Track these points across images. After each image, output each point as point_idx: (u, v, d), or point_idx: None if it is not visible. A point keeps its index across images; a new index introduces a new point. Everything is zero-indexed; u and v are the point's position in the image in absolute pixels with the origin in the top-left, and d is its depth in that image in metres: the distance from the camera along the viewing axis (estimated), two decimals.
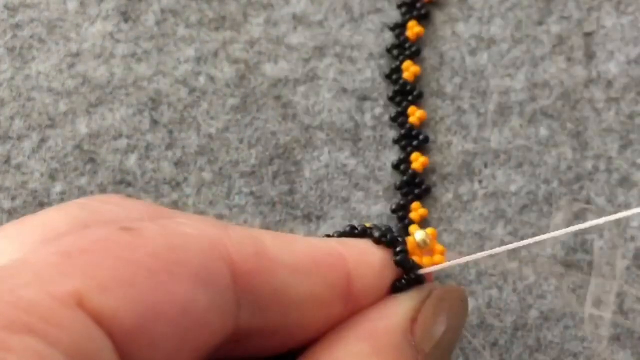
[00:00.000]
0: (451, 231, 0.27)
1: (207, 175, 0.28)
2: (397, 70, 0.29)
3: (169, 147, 0.28)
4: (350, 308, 0.18)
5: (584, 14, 0.30)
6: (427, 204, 0.27)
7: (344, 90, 0.29)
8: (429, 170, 0.28)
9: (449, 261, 0.21)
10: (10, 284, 0.14)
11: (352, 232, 0.20)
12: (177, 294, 0.15)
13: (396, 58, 0.29)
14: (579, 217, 0.27)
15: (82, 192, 0.27)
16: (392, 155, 0.28)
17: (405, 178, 0.27)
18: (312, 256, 0.18)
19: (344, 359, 0.17)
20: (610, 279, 0.26)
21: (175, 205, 0.27)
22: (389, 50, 0.29)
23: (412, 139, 0.28)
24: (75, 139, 0.28)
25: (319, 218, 0.27)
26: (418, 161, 0.27)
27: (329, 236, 0.20)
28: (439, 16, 0.30)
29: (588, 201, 0.27)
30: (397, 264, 0.19)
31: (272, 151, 0.28)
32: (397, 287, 0.19)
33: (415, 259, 0.20)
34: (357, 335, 0.18)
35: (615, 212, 0.27)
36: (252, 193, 0.27)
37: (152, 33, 0.30)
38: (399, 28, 0.30)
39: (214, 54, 0.29)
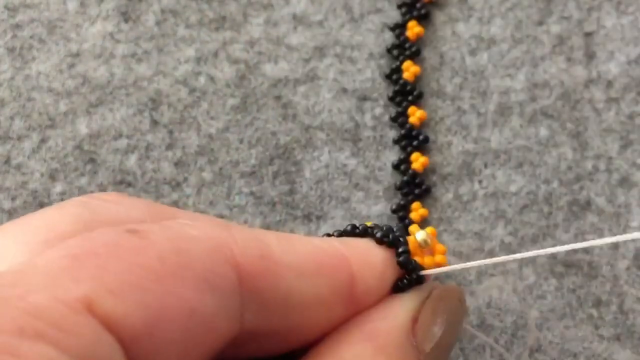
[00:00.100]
0: (451, 231, 0.27)
1: (207, 175, 0.28)
2: (397, 70, 0.29)
3: (169, 147, 0.28)
4: (353, 308, 0.18)
5: (584, 14, 0.30)
6: (427, 204, 0.27)
7: (344, 90, 0.29)
8: (429, 170, 0.28)
9: (449, 262, 0.21)
10: (19, 290, 0.14)
11: (353, 232, 0.20)
12: (184, 297, 0.15)
13: (396, 58, 0.29)
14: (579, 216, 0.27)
15: (82, 192, 0.27)
16: (392, 155, 0.28)
17: (405, 178, 0.27)
18: (316, 258, 0.18)
19: (346, 359, 0.17)
20: (611, 279, 0.26)
21: (175, 205, 0.27)
22: (389, 50, 0.29)
23: (412, 139, 0.28)
24: (75, 139, 0.28)
25: (319, 218, 0.27)
26: (418, 161, 0.27)
27: (329, 235, 0.20)
28: (439, 16, 0.30)
29: (588, 202, 0.27)
30: (400, 264, 0.19)
31: (272, 151, 0.28)
32: (398, 287, 0.20)
33: (417, 259, 0.20)
34: (359, 336, 0.18)
35: (616, 212, 0.27)
36: (252, 193, 0.27)
37: (152, 33, 0.30)
38: (399, 28, 0.30)
39: (214, 54, 0.29)
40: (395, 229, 0.20)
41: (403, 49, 0.29)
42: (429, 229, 0.22)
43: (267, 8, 0.30)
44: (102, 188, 0.27)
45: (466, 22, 0.30)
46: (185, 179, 0.27)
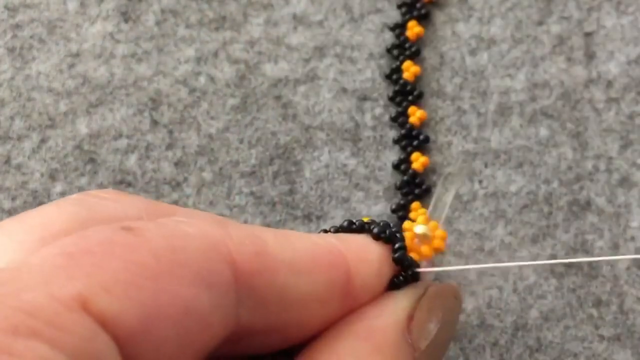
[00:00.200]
0: (451, 231, 0.27)
1: (207, 175, 0.28)
2: (397, 70, 0.29)
3: (169, 147, 0.28)
4: (349, 304, 0.18)
5: (584, 14, 0.30)
6: (427, 204, 0.27)
7: (344, 90, 0.29)
8: (429, 170, 0.28)
9: (449, 263, 0.21)
10: (13, 288, 0.14)
11: (350, 227, 0.20)
12: (179, 295, 0.15)
13: (396, 58, 0.29)
14: (579, 216, 0.27)
15: None
16: (392, 155, 0.28)
17: (405, 178, 0.27)
18: (312, 254, 0.18)
19: (342, 357, 0.17)
20: (611, 279, 0.26)
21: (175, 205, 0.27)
22: (388, 50, 0.29)
23: (412, 138, 0.28)
24: (75, 139, 0.28)
25: (319, 218, 0.27)
26: (418, 161, 0.27)
27: (325, 231, 0.20)
28: (439, 16, 0.30)
29: (588, 202, 0.27)
30: (396, 261, 0.19)
31: (272, 151, 0.28)
32: (394, 284, 0.20)
33: (413, 255, 0.20)
34: (355, 334, 0.18)
35: (615, 212, 0.27)
36: (252, 193, 0.27)
37: (152, 33, 0.30)
38: (399, 28, 0.30)
39: (214, 54, 0.29)
40: (392, 225, 0.20)
41: (403, 49, 0.29)
42: (432, 223, 0.22)
43: (267, 8, 0.30)
44: (102, 188, 0.27)
45: (466, 22, 0.30)
46: (185, 179, 0.27)
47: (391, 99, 0.29)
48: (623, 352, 0.25)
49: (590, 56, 0.29)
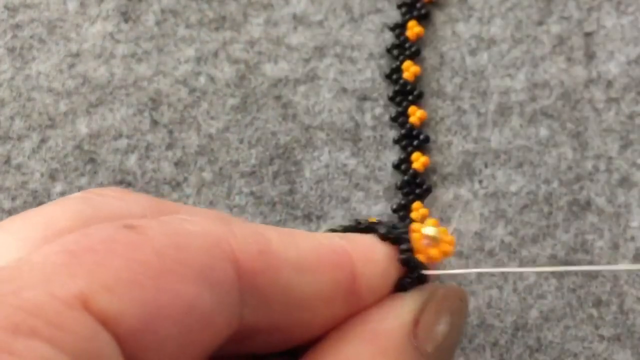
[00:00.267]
0: (451, 231, 0.27)
1: (207, 175, 0.28)
2: (397, 70, 0.29)
3: (169, 147, 0.28)
4: (354, 305, 0.18)
5: (584, 14, 0.30)
6: (427, 204, 0.27)
7: (344, 90, 0.29)
8: (429, 170, 0.28)
9: (452, 265, 0.20)
10: (14, 286, 0.14)
11: (357, 227, 0.20)
12: (181, 293, 0.15)
13: (396, 58, 0.29)
14: (579, 216, 0.27)
15: None
16: (392, 155, 0.28)
17: (406, 177, 0.27)
18: (317, 253, 0.18)
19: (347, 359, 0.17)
20: (611, 279, 0.26)
21: None
22: (388, 50, 0.29)
23: (412, 138, 0.28)
24: (75, 139, 0.28)
25: (319, 218, 0.27)
26: (419, 161, 0.27)
27: (333, 230, 0.20)
28: (439, 16, 0.30)
29: (588, 202, 0.27)
30: (402, 262, 0.19)
31: (272, 151, 0.28)
32: (401, 285, 0.19)
33: (420, 256, 0.20)
34: (359, 336, 0.18)
35: (615, 212, 0.27)
36: (252, 193, 0.27)
37: (152, 33, 0.30)
38: (399, 28, 0.30)
39: (214, 54, 0.29)
40: (399, 226, 0.20)
41: (403, 48, 0.29)
42: (442, 228, 0.21)
43: (267, 8, 0.30)
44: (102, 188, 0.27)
45: (466, 22, 0.30)
46: (185, 179, 0.27)
47: (391, 98, 0.29)
48: (623, 352, 0.25)
49: (590, 56, 0.29)
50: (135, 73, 0.29)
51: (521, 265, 0.26)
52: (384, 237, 0.19)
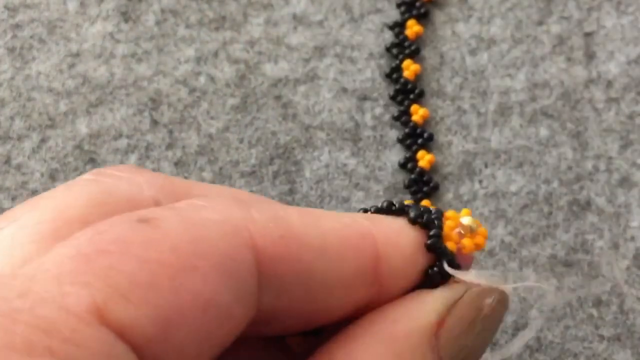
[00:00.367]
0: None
1: (207, 175, 0.28)
2: (397, 69, 0.29)
3: (169, 147, 0.28)
4: (378, 290, 0.17)
5: (584, 14, 0.30)
6: (435, 202, 0.27)
7: (344, 90, 0.29)
8: (429, 169, 0.28)
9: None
10: (29, 301, 0.13)
11: (389, 209, 0.18)
12: (199, 290, 0.14)
13: (395, 57, 0.29)
14: (579, 217, 0.27)
15: None
16: (392, 155, 0.28)
17: (413, 176, 0.27)
18: (340, 237, 0.17)
19: None
20: (611, 279, 0.26)
21: None
22: (388, 49, 0.29)
23: (416, 137, 0.28)
24: (75, 139, 0.28)
25: None
26: (424, 159, 0.27)
27: (365, 210, 0.19)
28: (438, 16, 0.30)
29: (588, 202, 0.27)
30: (428, 248, 0.18)
31: (272, 151, 0.28)
32: (429, 275, 0.18)
33: (450, 244, 0.18)
34: (375, 337, 0.16)
35: (615, 212, 0.27)
36: (252, 193, 0.27)
37: (152, 33, 0.30)
38: (398, 27, 0.30)
39: (214, 54, 0.29)
40: (432, 211, 0.18)
41: (402, 47, 0.29)
42: (476, 220, 0.19)
43: (267, 8, 0.30)
44: None
45: (466, 22, 0.30)
46: (186, 179, 0.27)
47: (392, 98, 0.29)
48: (623, 352, 0.25)
49: (590, 56, 0.29)
50: (135, 73, 0.29)
51: (521, 264, 0.26)
52: (413, 221, 0.18)
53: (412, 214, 0.18)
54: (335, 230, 0.17)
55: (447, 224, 0.18)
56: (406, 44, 0.29)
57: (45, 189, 0.27)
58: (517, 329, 0.25)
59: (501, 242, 0.27)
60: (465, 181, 0.27)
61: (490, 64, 0.29)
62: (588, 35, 0.30)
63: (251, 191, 0.27)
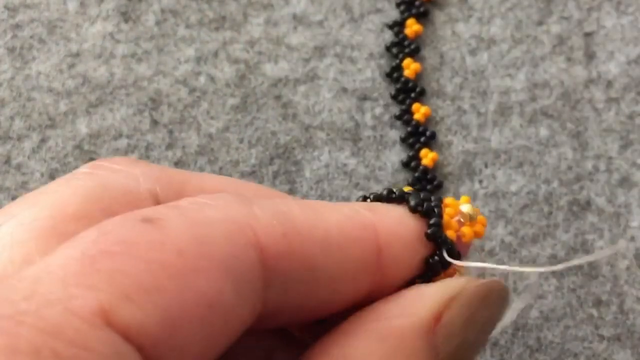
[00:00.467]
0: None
1: None
2: (398, 68, 0.29)
3: (169, 147, 0.28)
4: (380, 279, 0.17)
5: (584, 14, 0.30)
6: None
7: (344, 90, 0.29)
8: (432, 167, 0.28)
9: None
10: (34, 304, 0.13)
11: (389, 197, 0.18)
12: (204, 291, 0.14)
13: (395, 56, 0.29)
14: (579, 216, 0.27)
15: None
16: (393, 155, 0.28)
17: (417, 174, 0.27)
18: (342, 230, 0.17)
19: (355, 358, 0.16)
20: (611, 279, 0.26)
21: None
22: (388, 48, 0.29)
23: (419, 135, 0.28)
24: (75, 139, 0.28)
25: None
26: (428, 157, 0.27)
27: (365, 198, 0.19)
28: (438, 16, 0.30)
29: (588, 202, 0.27)
30: (428, 237, 0.18)
31: (272, 151, 0.28)
32: (430, 264, 0.18)
33: (450, 233, 0.18)
34: (370, 334, 0.16)
35: (615, 212, 0.27)
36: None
37: (152, 33, 0.30)
38: (398, 26, 0.30)
39: (214, 54, 0.29)
40: (432, 198, 0.18)
41: (402, 46, 0.29)
42: (475, 208, 0.19)
43: (267, 8, 0.30)
44: None
45: (466, 22, 0.30)
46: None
47: (394, 97, 0.29)
48: (623, 352, 0.25)
49: (590, 56, 0.29)
50: (135, 73, 0.29)
51: (521, 265, 0.26)
52: (413, 210, 0.18)
53: (412, 202, 0.18)
54: (337, 223, 0.17)
55: (447, 212, 0.18)
56: (406, 43, 0.29)
57: None
58: (517, 329, 0.25)
59: (501, 242, 0.27)
60: (465, 181, 0.27)
61: (490, 64, 0.29)
62: (588, 35, 0.30)
63: None
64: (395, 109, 0.29)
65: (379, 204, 0.18)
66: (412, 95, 0.28)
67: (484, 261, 0.26)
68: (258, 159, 0.28)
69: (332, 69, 0.29)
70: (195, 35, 0.29)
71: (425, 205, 0.18)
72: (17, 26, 0.30)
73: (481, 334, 0.18)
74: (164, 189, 0.18)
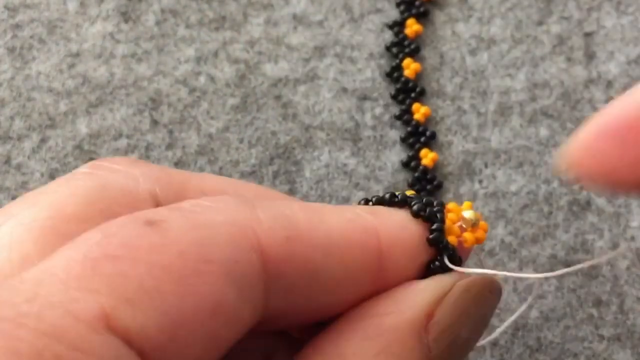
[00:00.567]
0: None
1: None
2: (398, 68, 0.29)
3: (169, 147, 0.28)
4: (381, 283, 0.17)
5: (584, 14, 0.30)
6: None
7: (344, 90, 0.29)
8: (432, 167, 0.28)
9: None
10: (36, 307, 0.13)
11: (392, 200, 0.18)
12: (206, 294, 0.14)
13: (395, 56, 0.29)
14: (578, 216, 0.27)
15: None
16: (393, 155, 0.28)
17: (417, 174, 0.27)
18: (344, 233, 0.17)
19: (345, 357, 0.16)
20: (611, 279, 0.26)
21: None
22: (388, 48, 0.29)
23: (419, 135, 0.28)
24: (75, 139, 0.28)
25: None
26: (427, 157, 0.27)
27: (367, 201, 0.19)
28: (438, 16, 0.30)
29: (588, 202, 0.27)
30: (430, 242, 0.18)
31: (272, 151, 0.28)
32: (431, 269, 0.18)
33: (451, 238, 0.18)
34: (363, 332, 0.17)
35: (615, 212, 0.27)
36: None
37: (152, 33, 0.30)
38: (398, 26, 0.30)
39: (214, 54, 0.29)
40: (435, 203, 0.18)
41: (402, 46, 0.29)
42: (477, 214, 0.19)
43: (267, 8, 0.30)
44: None
45: (466, 22, 0.30)
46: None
47: (394, 97, 0.29)
48: (623, 352, 0.25)
49: (590, 56, 0.29)
50: (135, 73, 0.29)
51: (521, 265, 0.26)
52: (416, 214, 0.18)
53: (414, 207, 0.18)
54: (340, 227, 0.17)
55: (449, 217, 0.18)
56: (406, 43, 0.29)
57: None
58: (517, 329, 0.25)
59: (501, 242, 0.27)
60: (466, 181, 0.27)
61: (490, 64, 0.29)
62: (588, 35, 0.30)
63: None
64: (395, 109, 0.29)
65: (381, 207, 0.18)
66: (412, 95, 0.28)
67: (484, 262, 0.26)
68: (258, 159, 0.28)
69: (332, 69, 0.29)
70: (195, 35, 0.29)
71: (427, 210, 0.18)
72: (17, 26, 0.30)
73: (474, 330, 0.18)
74: (163, 189, 0.18)
